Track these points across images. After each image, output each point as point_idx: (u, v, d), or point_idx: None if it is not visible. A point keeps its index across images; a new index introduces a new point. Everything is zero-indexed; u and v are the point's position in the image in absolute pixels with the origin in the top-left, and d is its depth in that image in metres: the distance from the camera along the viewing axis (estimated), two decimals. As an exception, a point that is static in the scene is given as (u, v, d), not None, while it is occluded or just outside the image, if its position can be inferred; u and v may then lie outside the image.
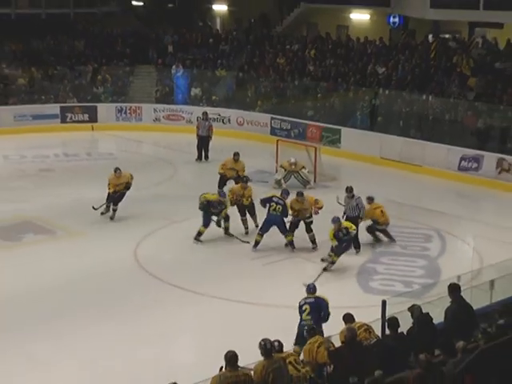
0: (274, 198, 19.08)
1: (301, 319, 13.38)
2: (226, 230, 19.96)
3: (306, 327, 12.86)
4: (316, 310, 13.44)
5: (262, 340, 10.22)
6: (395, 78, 30.02)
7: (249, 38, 36.94)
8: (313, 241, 19.23)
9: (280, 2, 37.98)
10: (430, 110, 28.26)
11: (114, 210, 21.14)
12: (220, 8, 42.03)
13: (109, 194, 21.02)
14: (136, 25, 39.50)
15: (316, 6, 35.60)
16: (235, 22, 40.41)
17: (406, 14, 32.07)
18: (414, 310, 11.81)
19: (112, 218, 21.15)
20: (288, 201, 19.15)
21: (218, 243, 19.54)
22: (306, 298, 13.70)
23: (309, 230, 19.29)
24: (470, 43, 30.67)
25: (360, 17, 35.33)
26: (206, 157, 28.30)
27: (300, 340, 12.77)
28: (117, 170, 21.14)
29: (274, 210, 18.87)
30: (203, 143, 28.27)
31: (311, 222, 19.27)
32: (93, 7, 38.03)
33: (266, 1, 37.98)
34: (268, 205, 19.01)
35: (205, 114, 29.09)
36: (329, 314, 13.38)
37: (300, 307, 13.51)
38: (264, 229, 19.09)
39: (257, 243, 19.14)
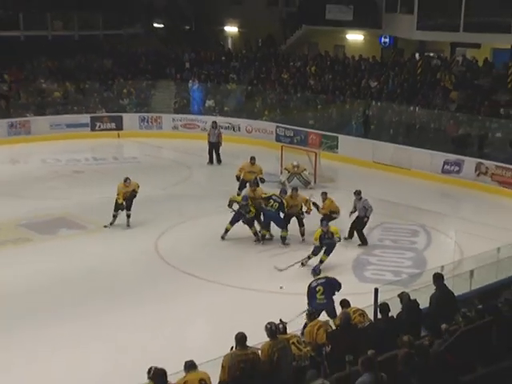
0: (273, 197, 19.10)
1: (315, 299, 13.32)
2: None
3: (320, 306, 13.06)
4: (329, 288, 13.50)
5: (268, 323, 10.25)
6: (386, 91, 29.99)
7: (256, 56, 36.91)
8: (302, 233, 19.29)
9: (284, 24, 37.93)
10: (416, 120, 28.21)
11: (128, 216, 20.28)
12: (231, 29, 42.02)
13: (117, 202, 20.10)
14: (157, 45, 39.48)
15: (316, 28, 35.56)
16: (244, 42, 40.36)
17: (396, 34, 32.05)
18: (403, 297, 11.82)
19: (128, 225, 20.38)
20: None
21: (229, 238, 19.42)
22: (316, 280, 13.76)
23: (301, 224, 19.37)
24: (452, 61, 30.64)
25: (355, 37, 35.28)
26: (219, 160, 28.24)
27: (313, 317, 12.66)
28: (127, 179, 20.19)
29: (272, 206, 18.87)
30: (214, 148, 28.27)
31: (303, 218, 19.37)
32: (119, 29, 38.01)
33: (272, 23, 37.90)
34: (267, 202, 19.03)
35: (214, 122, 28.95)
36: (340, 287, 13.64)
37: (313, 289, 13.46)
38: (265, 224, 19.12)
39: (263, 237, 19.15)
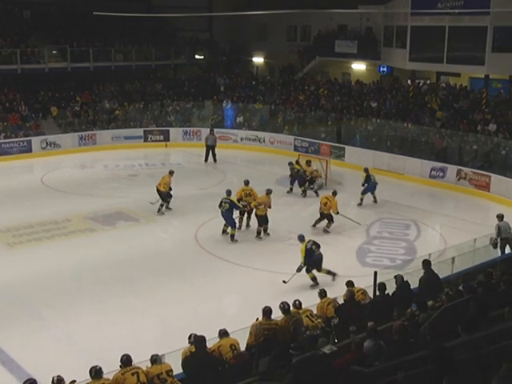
0: (223, 199, 18.55)
1: (314, 253, 15.05)
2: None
3: (318, 257, 15.18)
4: (318, 245, 15.27)
5: (281, 303, 10.31)
6: (384, 110, 29.82)
7: (278, 81, 36.92)
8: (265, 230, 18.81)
9: (301, 55, 37.84)
10: (408, 134, 28.00)
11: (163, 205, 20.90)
12: (258, 60, 41.95)
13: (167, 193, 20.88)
14: (198, 72, 39.55)
15: (327, 59, 35.52)
16: (269, 70, 40.37)
17: (392, 65, 31.85)
18: (397, 278, 11.78)
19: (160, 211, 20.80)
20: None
21: (254, 231, 19.34)
22: (308, 242, 15.19)
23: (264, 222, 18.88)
24: (437, 87, 30.49)
25: (359, 66, 35.12)
26: (215, 160, 29.02)
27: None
28: (172, 172, 21.35)
29: (223, 207, 18.42)
30: (210, 150, 29.05)
31: (262, 215, 18.61)
32: (168, 60, 38.14)
33: (291, 55, 37.86)
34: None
35: (212, 130, 30.06)
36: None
37: (310, 249, 14.99)
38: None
39: (232, 236, 18.49)
